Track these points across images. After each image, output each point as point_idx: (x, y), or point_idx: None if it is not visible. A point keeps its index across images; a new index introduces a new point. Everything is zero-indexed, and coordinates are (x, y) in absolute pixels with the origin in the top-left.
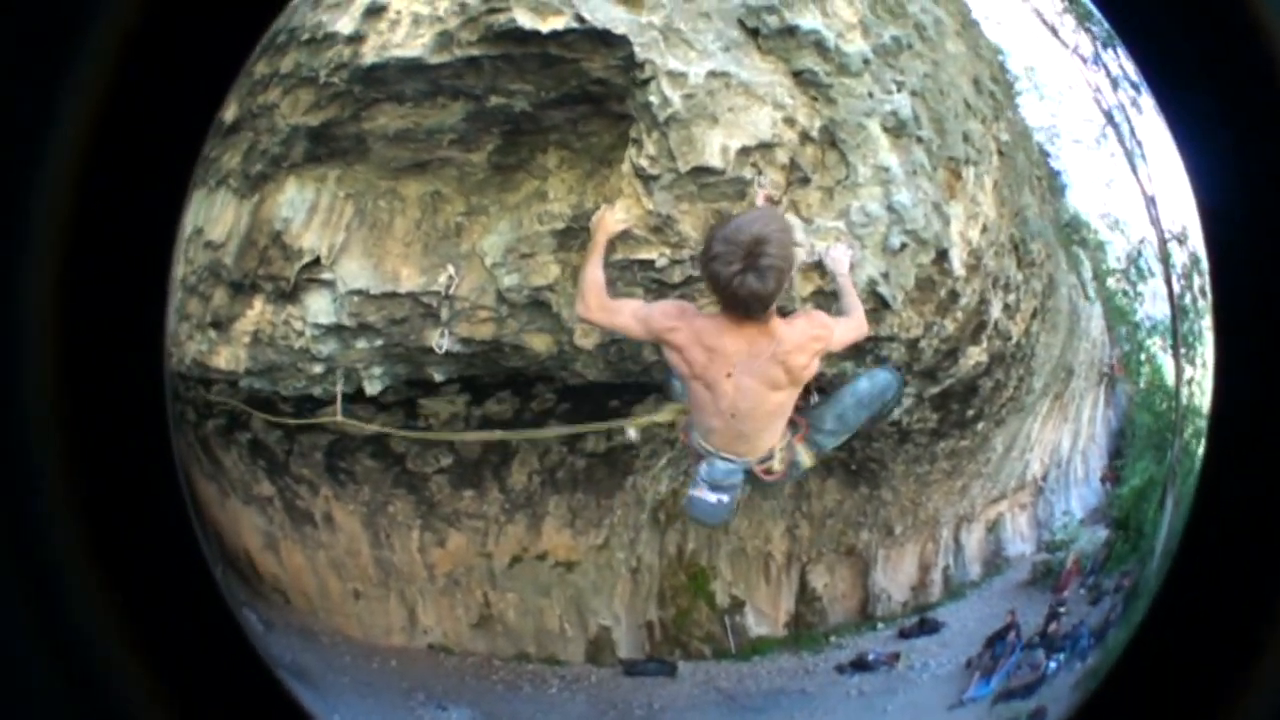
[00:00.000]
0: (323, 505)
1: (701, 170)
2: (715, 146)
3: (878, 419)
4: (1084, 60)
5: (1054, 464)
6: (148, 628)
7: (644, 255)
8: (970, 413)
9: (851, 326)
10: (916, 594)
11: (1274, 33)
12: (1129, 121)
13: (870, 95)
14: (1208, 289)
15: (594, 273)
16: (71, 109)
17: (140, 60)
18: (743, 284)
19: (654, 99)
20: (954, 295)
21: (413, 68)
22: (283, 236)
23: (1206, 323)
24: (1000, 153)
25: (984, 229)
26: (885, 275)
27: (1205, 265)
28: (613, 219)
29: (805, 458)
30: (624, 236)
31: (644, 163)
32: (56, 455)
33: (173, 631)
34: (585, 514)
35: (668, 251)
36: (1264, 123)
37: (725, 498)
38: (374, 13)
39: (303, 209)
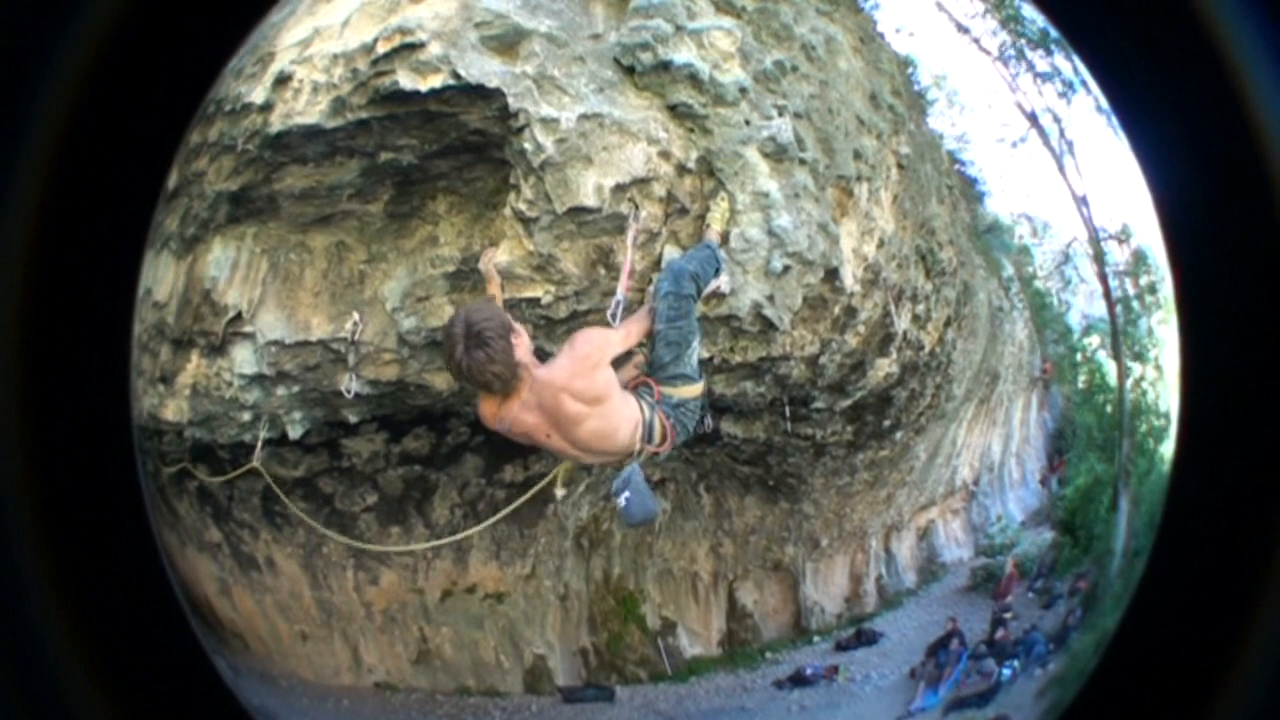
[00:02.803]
0: (264, 549)
1: (578, 210)
2: (589, 186)
3: (698, 292)
4: (1006, 64)
5: (985, 468)
6: (125, 680)
7: (530, 293)
8: (887, 423)
9: (636, 320)
10: (851, 605)
11: (1219, 28)
12: (1058, 122)
13: (747, 123)
14: (1157, 286)
15: None
16: (28, 174)
17: (93, 124)
18: (470, 364)
19: (528, 145)
20: (851, 311)
21: (312, 132)
22: (211, 294)
23: (1158, 319)
24: (900, 166)
25: (881, 243)
26: (770, 298)
27: (1154, 262)
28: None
29: (680, 394)
30: (510, 275)
31: (523, 206)
32: (29, 517)
33: (152, 684)
34: (510, 544)
35: (552, 289)
36: (1216, 116)
37: (628, 494)
38: (281, 82)
39: (227, 266)
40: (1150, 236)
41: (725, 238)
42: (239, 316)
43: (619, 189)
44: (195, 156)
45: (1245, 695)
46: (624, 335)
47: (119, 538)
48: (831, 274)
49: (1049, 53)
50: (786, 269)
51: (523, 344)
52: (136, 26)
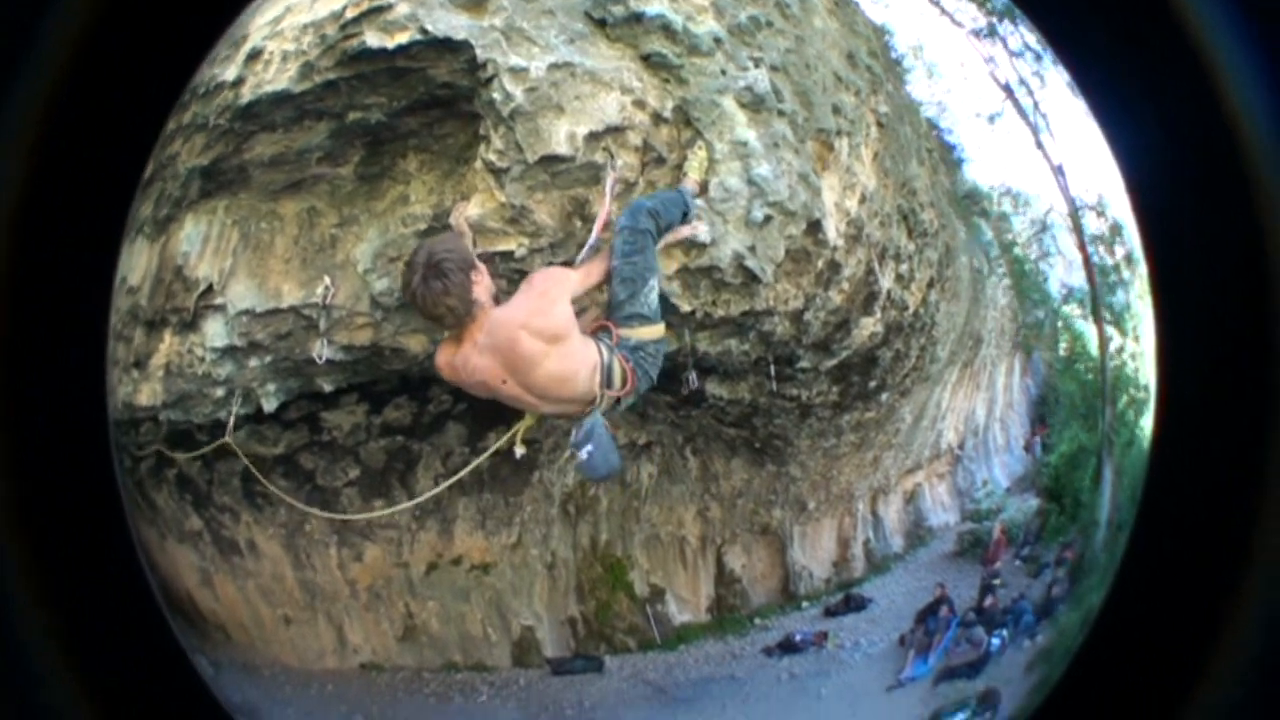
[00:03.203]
0: (245, 532)
1: (550, 159)
2: (562, 134)
3: (658, 230)
4: (979, 35)
5: (970, 432)
6: (105, 682)
7: (503, 246)
8: (873, 384)
9: (596, 261)
10: (839, 570)
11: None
12: (1032, 95)
13: (723, 72)
14: (1135, 258)
15: None
16: (5, 171)
17: (70, 120)
18: (425, 293)
19: (497, 95)
20: (835, 266)
21: (280, 98)
22: (183, 270)
23: (1135, 291)
24: (880, 124)
25: (863, 199)
26: (751, 249)
27: (1129, 234)
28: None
29: (639, 335)
30: (483, 229)
31: (493, 157)
32: (4, 512)
33: (131, 685)
34: (495, 514)
35: (526, 241)
36: (1182, 88)
37: (590, 447)
38: (253, 58)
39: (198, 241)
40: (1124, 211)
41: (704, 187)
42: (210, 289)
43: (593, 137)
44: (170, 142)
45: (1229, 672)
46: (583, 274)
47: (96, 536)
48: (814, 226)
49: (1018, 27)
50: (768, 219)
51: (483, 283)
52: (116, 19)
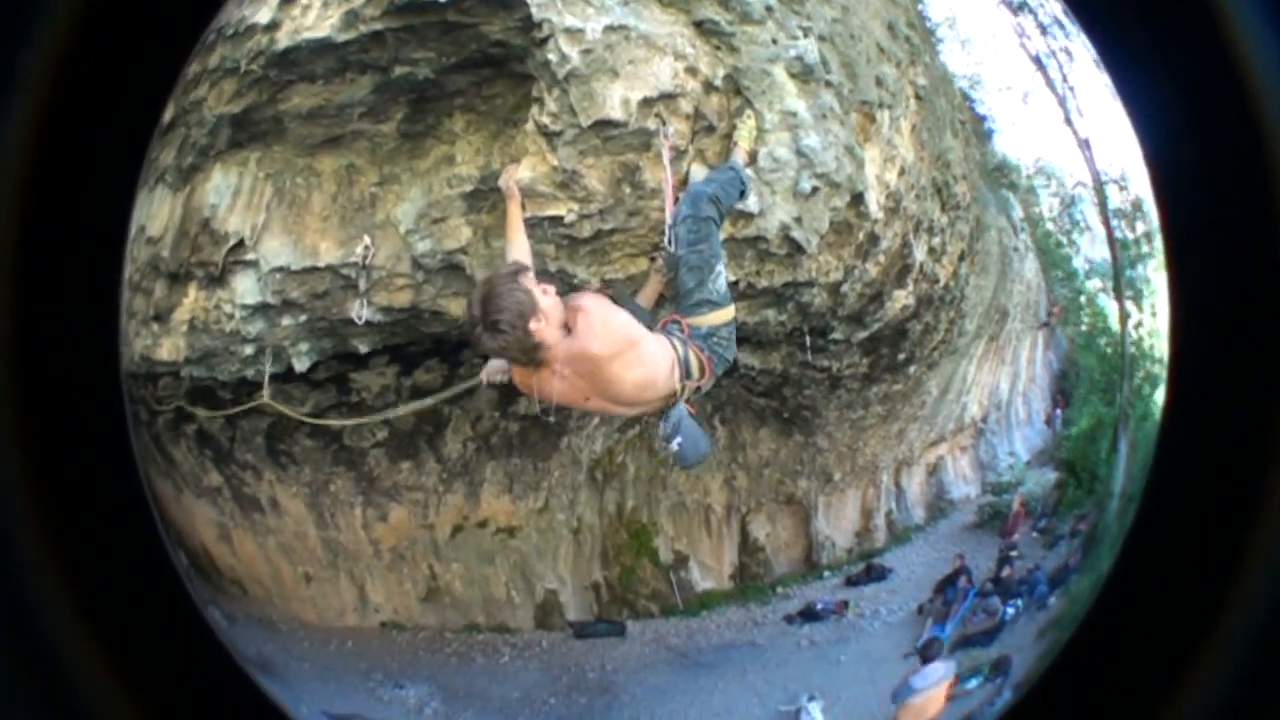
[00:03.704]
0: (268, 490)
1: (604, 124)
2: (616, 99)
3: (720, 215)
4: (1011, 8)
5: (993, 406)
6: (115, 632)
7: (552, 211)
8: (901, 356)
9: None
10: (861, 540)
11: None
12: (1060, 68)
13: (774, 42)
14: (1154, 234)
15: (518, 252)
16: (16, 114)
17: (83, 63)
18: (490, 343)
19: (552, 56)
20: (874, 238)
21: (322, 47)
22: (211, 223)
23: (1153, 267)
24: (918, 97)
25: (902, 171)
26: (798, 220)
27: (1150, 210)
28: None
29: (709, 322)
30: (532, 193)
31: (546, 120)
32: (17, 463)
33: (141, 634)
34: (523, 478)
35: (576, 207)
36: (1204, 63)
37: (680, 438)
38: (289, 1)
39: (228, 194)
40: (1145, 186)
41: (753, 156)
42: (240, 244)
43: (646, 103)
44: (193, 86)
45: (1233, 640)
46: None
47: (107, 486)
48: (857, 198)
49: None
50: (815, 190)
51: (549, 318)
52: None
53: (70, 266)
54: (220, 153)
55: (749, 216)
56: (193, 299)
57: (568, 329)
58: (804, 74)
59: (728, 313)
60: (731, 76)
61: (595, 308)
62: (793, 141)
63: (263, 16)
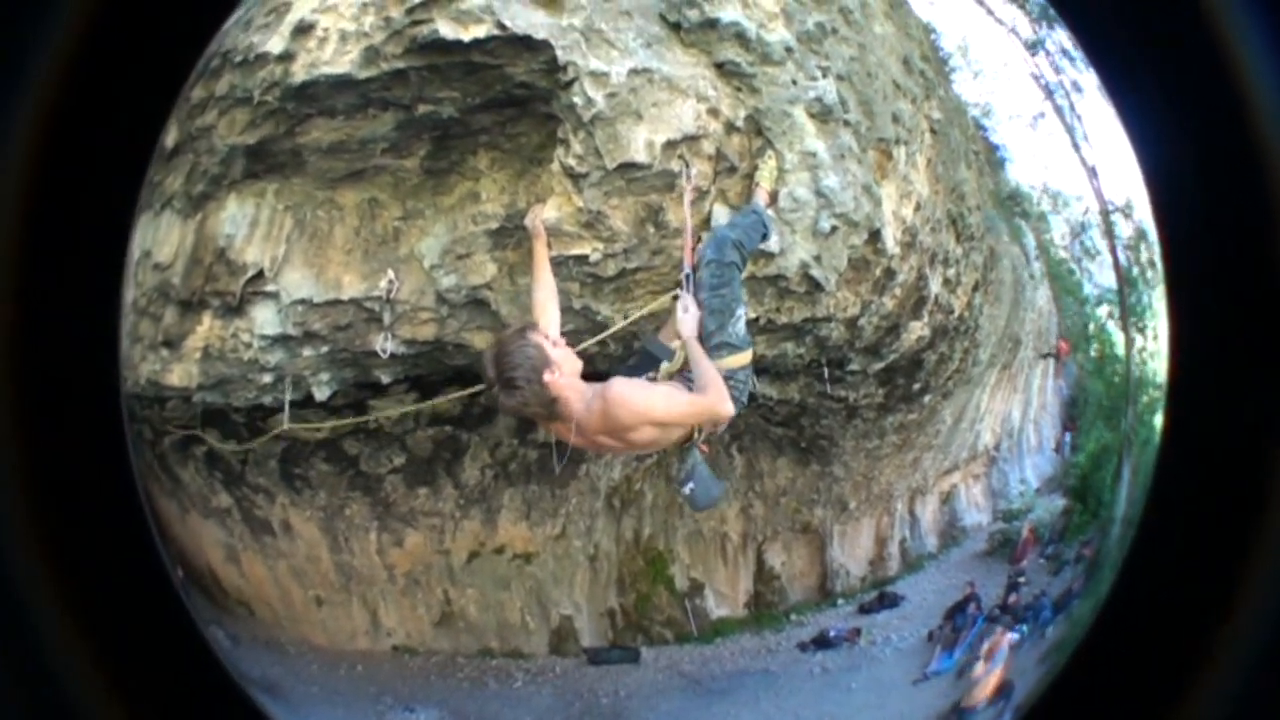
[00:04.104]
0: (280, 513)
1: (628, 166)
2: (640, 142)
3: (743, 260)
4: (1020, 37)
5: (1005, 434)
6: (115, 652)
7: (577, 250)
8: (917, 386)
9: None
10: (874, 568)
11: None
12: (1069, 96)
13: (794, 83)
14: (1157, 261)
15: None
16: (15, 137)
17: (82, 86)
18: (507, 401)
19: (578, 100)
20: (890, 273)
21: (342, 83)
22: (227, 253)
23: (1157, 294)
24: (932, 131)
25: (918, 207)
26: (817, 258)
27: (1153, 237)
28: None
29: (728, 365)
30: (558, 233)
31: (572, 162)
32: (15, 482)
33: (141, 654)
34: (540, 505)
35: (600, 246)
36: (1207, 93)
37: (692, 484)
38: (302, 31)
39: (244, 224)
40: (1147, 212)
41: (774, 196)
42: (260, 275)
43: (669, 145)
44: (200, 112)
45: (1231, 663)
46: (665, 403)
47: (107, 506)
48: (875, 235)
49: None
50: (834, 229)
51: (561, 371)
52: None
53: (70, 286)
54: (234, 182)
55: (770, 256)
56: (207, 327)
57: (583, 393)
58: (823, 114)
59: (746, 356)
60: (753, 117)
61: (618, 398)
62: (812, 182)
63: (274, 46)
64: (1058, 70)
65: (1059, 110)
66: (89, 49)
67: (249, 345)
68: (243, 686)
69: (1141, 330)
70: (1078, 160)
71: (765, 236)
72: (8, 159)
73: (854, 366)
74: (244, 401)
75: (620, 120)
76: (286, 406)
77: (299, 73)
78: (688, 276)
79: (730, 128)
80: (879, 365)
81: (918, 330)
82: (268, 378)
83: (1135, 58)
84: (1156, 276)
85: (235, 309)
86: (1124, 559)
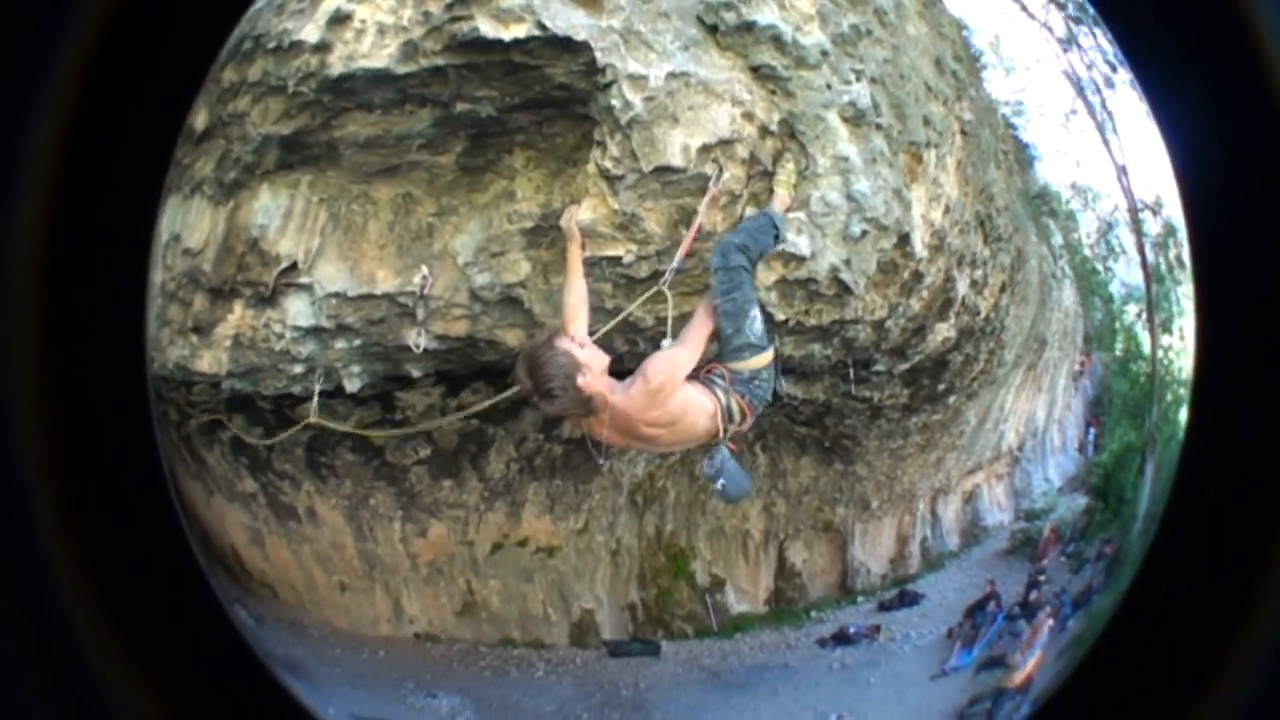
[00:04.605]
0: (305, 500)
1: (664, 169)
2: (676, 146)
3: (751, 261)
4: (1052, 33)
5: (1030, 434)
6: (139, 628)
7: (611, 252)
8: (941, 387)
9: (697, 328)
10: (895, 566)
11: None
12: (1100, 92)
13: (828, 87)
14: (1184, 258)
15: (575, 297)
16: (44, 116)
17: (109, 67)
18: (547, 406)
19: (616, 103)
20: (918, 276)
21: (380, 78)
22: (260, 243)
23: (1184, 290)
24: (963, 132)
25: (946, 209)
26: (847, 262)
27: (1181, 234)
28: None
29: (750, 366)
30: (592, 234)
31: (608, 164)
32: (42, 459)
33: (165, 631)
34: (564, 500)
35: (634, 248)
36: (1240, 91)
37: (723, 479)
38: (339, 21)
39: (278, 215)
40: (1176, 209)
41: (803, 201)
42: (293, 267)
43: (705, 149)
44: (232, 96)
45: (1251, 657)
46: (691, 350)
47: (133, 485)
48: (904, 239)
49: (1091, 24)
50: (864, 234)
51: (593, 372)
52: None
53: (97, 264)
54: (268, 172)
55: (800, 259)
56: (239, 316)
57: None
58: (856, 118)
59: (767, 356)
60: (786, 121)
61: (654, 373)
62: (844, 186)
63: (310, 35)
64: (1089, 66)
65: (1090, 107)
66: (117, 27)
67: (281, 336)
68: (267, 665)
69: (1168, 328)
70: (1107, 157)
71: (778, 238)
72: (36, 137)
73: (879, 367)
74: (273, 390)
75: (657, 124)
76: (315, 398)
77: (336, 65)
78: (673, 271)
79: (764, 132)
80: (904, 366)
81: (944, 331)
82: (298, 368)
83: (1170, 54)
84: (1183, 273)
85: (268, 299)
86: (1145, 555)
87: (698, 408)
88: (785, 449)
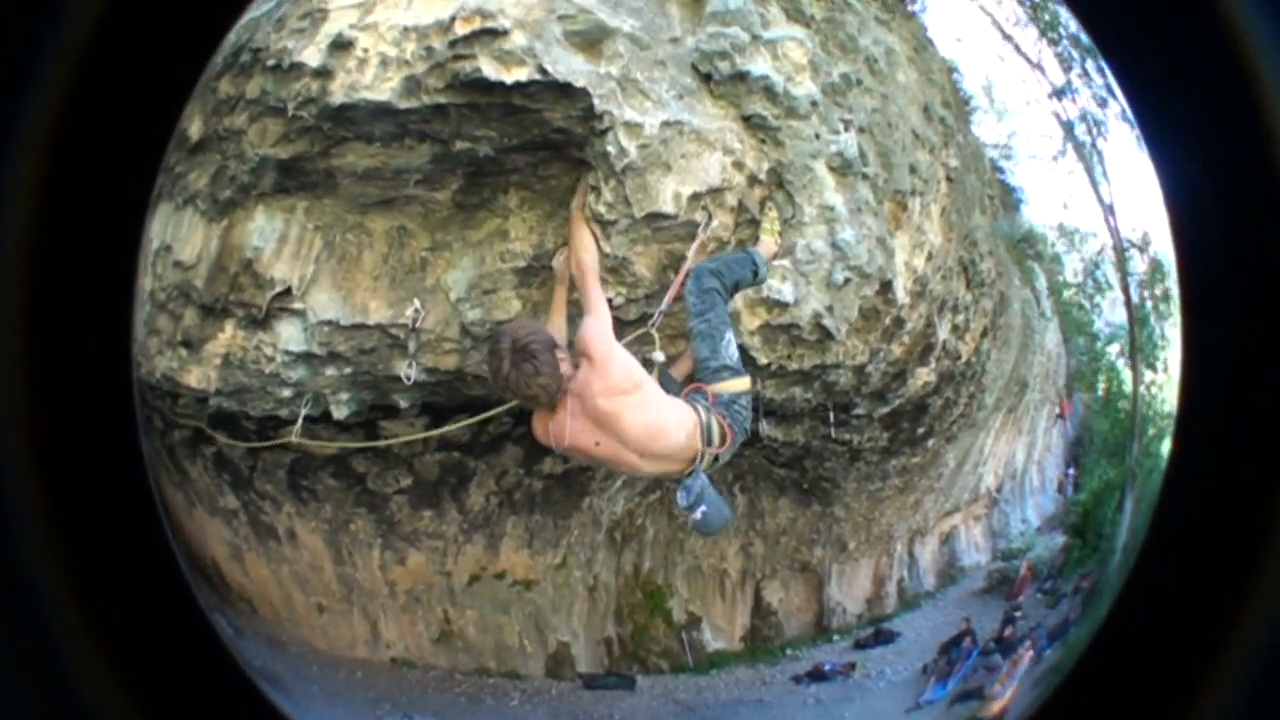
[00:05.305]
0: (286, 521)
1: (655, 215)
2: (669, 193)
3: (725, 287)
4: (1045, 73)
5: (1008, 476)
6: (119, 631)
7: (604, 294)
8: (921, 430)
9: (590, 315)
10: (871, 605)
11: (1244, 35)
12: (1090, 131)
13: (817, 136)
14: (1172, 292)
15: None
16: (33, 116)
17: (101, 67)
18: (518, 377)
19: (611, 149)
20: (899, 321)
21: (382, 111)
22: (254, 265)
23: (1169, 324)
24: (949, 179)
25: (929, 256)
26: (829, 308)
27: (1169, 266)
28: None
29: (730, 389)
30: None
31: (602, 209)
32: (25, 460)
33: (145, 635)
34: (543, 534)
35: (624, 290)
36: (1233, 123)
37: (704, 507)
38: (340, 48)
39: (272, 239)
40: (1166, 243)
41: (788, 249)
42: (287, 292)
43: (695, 197)
44: (229, 110)
45: (1229, 687)
46: (594, 309)
47: (117, 489)
48: (886, 286)
49: (1082, 61)
50: (847, 281)
51: (565, 358)
52: None
53: (85, 261)
54: (264, 194)
55: (784, 305)
56: (230, 335)
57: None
58: (843, 168)
59: (745, 381)
60: (775, 170)
61: (587, 341)
62: (829, 235)
63: (311, 58)
64: (1079, 105)
65: (1079, 147)
66: (107, 29)
67: (271, 359)
68: (248, 674)
69: (1151, 364)
70: (1094, 198)
71: (757, 275)
72: (24, 138)
73: (859, 411)
74: (260, 412)
75: (650, 171)
76: (300, 419)
77: (338, 94)
78: (661, 314)
79: (753, 180)
80: (884, 410)
81: (924, 376)
82: (287, 392)
83: (1166, 89)
84: (1169, 308)
85: (260, 322)
86: (1123, 586)
87: (677, 422)
88: (764, 490)
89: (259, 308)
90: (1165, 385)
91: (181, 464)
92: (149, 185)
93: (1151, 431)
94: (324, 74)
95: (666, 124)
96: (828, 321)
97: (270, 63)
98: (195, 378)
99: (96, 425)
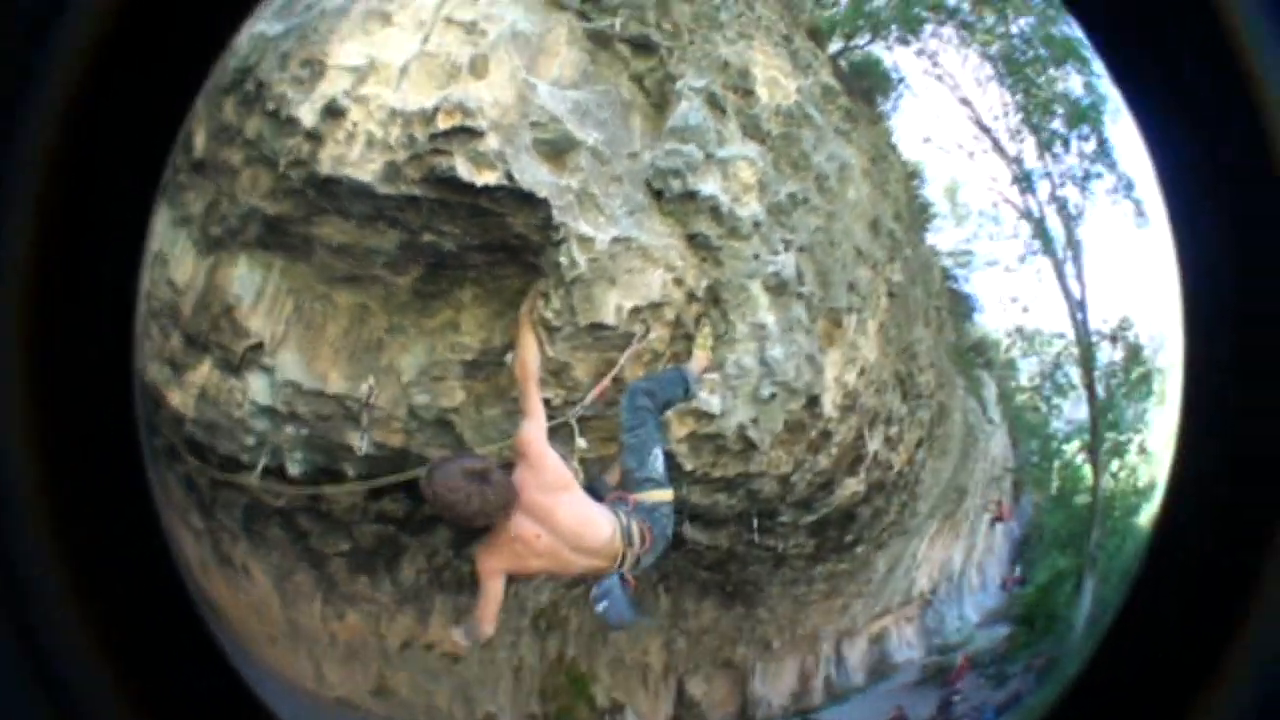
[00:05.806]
0: (241, 556)
1: (597, 326)
2: (611, 305)
3: (655, 405)
4: (1020, 164)
5: (944, 578)
6: (119, 631)
7: (541, 395)
8: (849, 538)
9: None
10: (798, 699)
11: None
12: (1067, 225)
13: (756, 257)
14: (1152, 377)
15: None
16: (37, 115)
17: (105, 66)
18: (483, 504)
19: (564, 260)
20: (826, 434)
21: (362, 191)
22: (234, 312)
23: (1149, 404)
24: (890, 294)
25: (862, 371)
26: (754, 420)
27: (1149, 354)
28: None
29: (652, 498)
30: None
31: (550, 315)
32: (25, 454)
33: (145, 635)
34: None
35: (562, 393)
36: (1254, 192)
37: (606, 602)
38: (333, 114)
39: (252, 290)
40: (1149, 324)
41: (717, 364)
42: (260, 346)
43: (635, 311)
44: (228, 140)
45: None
46: (530, 412)
47: (116, 488)
48: (813, 401)
49: (1067, 147)
50: (773, 395)
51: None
52: None
53: (90, 268)
54: (248, 244)
55: (711, 416)
56: (207, 372)
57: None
58: (779, 288)
59: (668, 494)
60: (713, 288)
61: (522, 444)
62: (759, 352)
63: (306, 117)
64: (1057, 193)
65: (1049, 243)
66: (115, 24)
67: (240, 405)
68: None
69: (1119, 453)
70: (1063, 294)
71: (688, 392)
72: (29, 126)
73: (784, 519)
74: (225, 450)
75: (596, 283)
76: (260, 466)
77: (325, 164)
78: (583, 405)
79: (691, 297)
80: (810, 518)
81: (852, 486)
82: (251, 439)
83: (1166, 88)
84: (1146, 391)
85: (234, 368)
86: (1096, 645)
87: (599, 521)
88: (687, 591)
89: (235, 354)
90: (1137, 468)
91: (162, 472)
92: (154, 183)
93: (1117, 513)
94: (315, 137)
95: (616, 239)
96: (752, 433)
97: (270, 107)
98: (176, 400)
99: (96, 425)
